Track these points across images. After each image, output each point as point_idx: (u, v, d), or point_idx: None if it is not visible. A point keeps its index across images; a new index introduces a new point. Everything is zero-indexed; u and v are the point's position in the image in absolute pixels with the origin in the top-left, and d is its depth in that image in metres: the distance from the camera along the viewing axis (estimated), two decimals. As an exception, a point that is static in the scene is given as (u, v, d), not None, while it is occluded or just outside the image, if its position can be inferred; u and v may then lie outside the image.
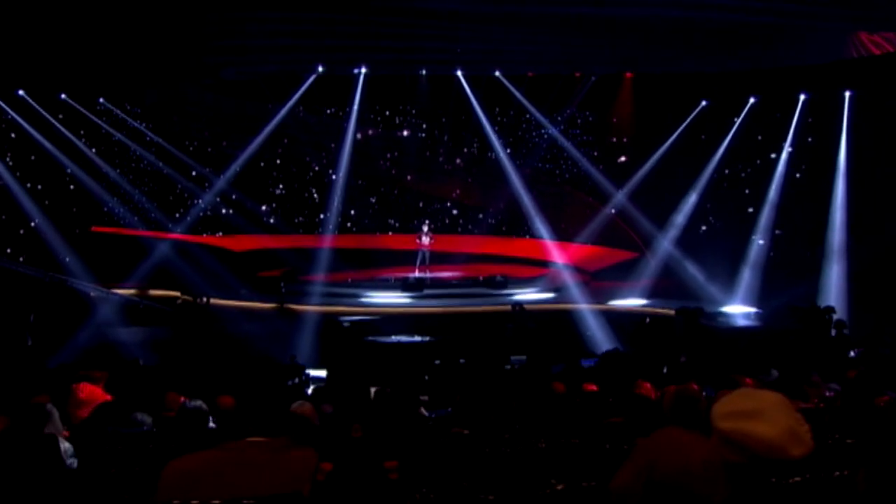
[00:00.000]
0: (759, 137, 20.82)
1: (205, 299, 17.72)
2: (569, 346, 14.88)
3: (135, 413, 6.30)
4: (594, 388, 7.65)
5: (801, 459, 2.54)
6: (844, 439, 3.80)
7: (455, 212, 23.53)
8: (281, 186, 22.77)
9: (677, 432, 2.63)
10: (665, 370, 10.20)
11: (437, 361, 14.02)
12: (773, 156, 20.61)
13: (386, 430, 5.06)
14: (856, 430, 4.05)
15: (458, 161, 23.31)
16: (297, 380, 12.71)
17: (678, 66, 19.98)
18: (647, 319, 16.72)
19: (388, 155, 23.05)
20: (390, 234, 23.04)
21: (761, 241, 20.18)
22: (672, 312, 16.83)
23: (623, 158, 22.73)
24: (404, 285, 20.47)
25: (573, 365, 10.93)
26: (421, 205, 23.25)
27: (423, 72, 21.51)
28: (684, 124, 21.53)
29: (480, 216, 23.06)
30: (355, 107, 21.58)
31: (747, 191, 21.04)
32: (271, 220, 22.45)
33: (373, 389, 7.00)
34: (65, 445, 5.13)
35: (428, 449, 4.57)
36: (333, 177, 22.21)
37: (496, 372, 10.83)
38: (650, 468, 2.78)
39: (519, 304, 17.97)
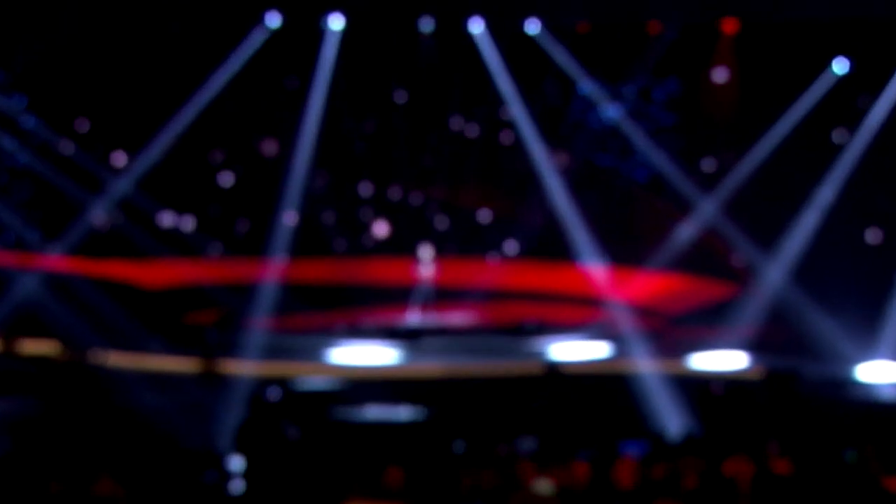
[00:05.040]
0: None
1: (94, 357, 17.81)
2: (615, 425, 14.81)
3: None
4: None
5: None
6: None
7: (469, 226, 23.40)
8: (215, 189, 22.72)
9: None
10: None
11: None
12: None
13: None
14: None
15: (473, 153, 23.22)
16: (216, 474, 12.81)
17: (802, 9, 20.00)
18: (713, 388, 16.64)
19: (372, 142, 23.02)
20: (375, 259, 22.98)
21: None
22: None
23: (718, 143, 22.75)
24: (392, 334, 20.62)
25: (608, 450, 11.18)
26: (420, 216, 23.26)
27: (426, 24, 21.68)
28: (810, 98, 21.45)
29: (506, 233, 23.01)
30: (325, 73, 21.69)
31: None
32: (200, 240, 22.42)
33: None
34: None
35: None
36: (290, 173, 22.13)
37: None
38: None
39: (556, 364, 18.12)
